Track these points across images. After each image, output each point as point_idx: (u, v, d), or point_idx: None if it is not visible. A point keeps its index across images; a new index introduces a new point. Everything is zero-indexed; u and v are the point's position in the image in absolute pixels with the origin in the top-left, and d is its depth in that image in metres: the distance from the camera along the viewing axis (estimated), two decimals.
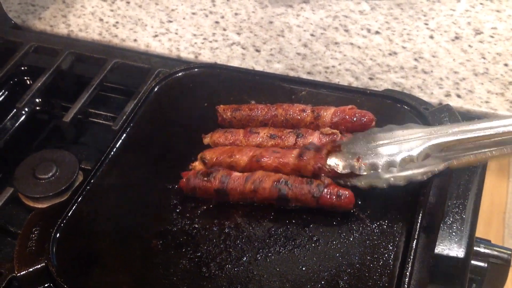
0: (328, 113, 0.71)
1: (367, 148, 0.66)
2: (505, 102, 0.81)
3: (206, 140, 0.71)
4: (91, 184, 0.67)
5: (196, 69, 0.79)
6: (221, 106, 0.73)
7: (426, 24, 0.94)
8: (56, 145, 0.82)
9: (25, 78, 0.89)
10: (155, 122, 0.75)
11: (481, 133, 0.63)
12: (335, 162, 0.66)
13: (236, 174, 0.66)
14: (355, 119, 0.70)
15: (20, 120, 0.84)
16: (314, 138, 0.69)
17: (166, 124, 0.75)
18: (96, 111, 0.85)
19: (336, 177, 0.66)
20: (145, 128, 0.74)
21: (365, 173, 0.64)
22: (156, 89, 0.77)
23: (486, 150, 0.63)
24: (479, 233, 0.66)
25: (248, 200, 0.66)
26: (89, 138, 0.85)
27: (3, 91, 0.87)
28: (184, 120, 0.75)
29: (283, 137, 0.70)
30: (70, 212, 0.64)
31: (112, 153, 0.70)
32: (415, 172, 0.65)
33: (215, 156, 0.67)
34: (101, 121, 0.85)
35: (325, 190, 0.64)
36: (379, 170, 0.64)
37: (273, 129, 0.71)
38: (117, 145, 0.71)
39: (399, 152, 0.64)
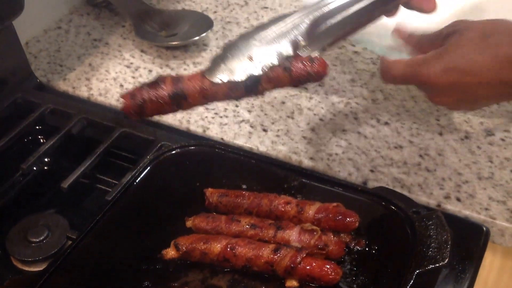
0: (312, 209, 0.71)
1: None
2: (506, 211, 0.79)
3: (189, 223, 0.72)
4: (69, 255, 0.68)
5: (193, 147, 0.81)
6: (209, 189, 0.75)
7: (438, 120, 0.92)
8: (57, 207, 0.85)
9: (39, 137, 0.93)
10: (145, 197, 0.76)
11: None
12: None
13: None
14: (338, 218, 0.70)
15: (26, 180, 0.87)
16: (294, 232, 0.69)
17: (155, 200, 0.76)
18: (101, 176, 0.88)
19: None
20: (134, 202, 0.75)
21: None
22: (153, 163, 0.79)
23: None
24: None
25: None
26: (89, 203, 0.88)
27: (15, 148, 0.90)
28: (174, 198, 0.76)
29: (263, 228, 0.70)
30: (44, 283, 0.66)
31: (97, 225, 0.72)
32: None
33: (189, 243, 0.68)
34: (103, 186, 0.88)
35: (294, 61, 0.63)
36: None
37: (255, 219, 0.71)
38: (104, 218, 0.73)
39: None
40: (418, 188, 0.82)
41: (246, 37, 0.66)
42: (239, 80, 0.63)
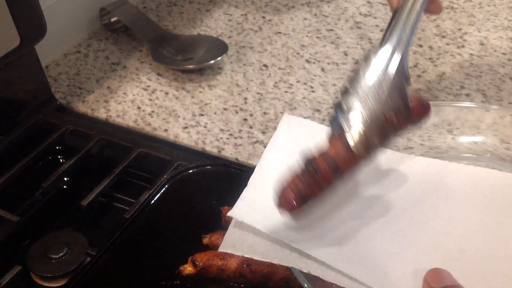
0: None
1: None
2: None
3: (205, 240, 0.74)
4: (89, 271, 0.70)
5: (209, 166, 0.83)
6: (225, 207, 0.76)
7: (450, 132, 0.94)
8: (77, 225, 0.87)
9: (59, 157, 0.95)
10: (162, 215, 0.78)
11: None
12: None
13: None
14: None
15: (46, 198, 0.89)
16: None
17: (172, 218, 0.78)
18: (119, 195, 0.90)
19: None
20: (152, 220, 0.77)
21: None
22: (170, 183, 0.81)
23: None
24: None
25: None
26: (107, 221, 0.89)
27: (36, 168, 0.93)
28: (190, 216, 0.78)
29: None
30: None
31: (116, 242, 0.74)
32: None
33: (206, 259, 0.69)
34: (121, 205, 0.90)
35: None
36: None
37: None
38: (123, 235, 0.75)
39: None
40: None
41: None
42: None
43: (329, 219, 0.69)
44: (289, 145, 0.78)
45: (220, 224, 0.76)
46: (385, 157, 0.74)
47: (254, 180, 0.73)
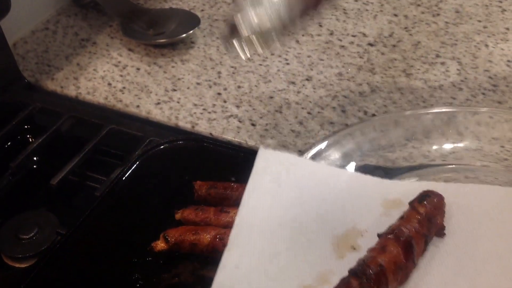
0: None
1: None
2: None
3: (178, 215, 0.72)
4: (58, 250, 0.68)
5: (181, 142, 0.81)
6: (198, 182, 0.75)
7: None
8: (47, 205, 0.85)
9: (28, 136, 0.93)
10: (134, 192, 0.76)
11: None
12: None
13: None
14: None
15: (15, 179, 0.87)
16: None
17: (144, 195, 0.76)
18: (90, 173, 0.88)
19: None
20: (123, 197, 0.76)
21: None
22: (141, 159, 0.79)
23: None
24: None
25: None
26: (79, 200, 0.88)
27: (4, 148, 0.91)
28: (163, 192, 0.77)
29: None
30: (34, 278, 0.66)
31: (86, 220, 0.72)
32: None
33: (178, 234, 0.68)
34: (93, 183, 0.88)
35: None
36: None
37: None
38: (93, 213, 0.73)
39: None
40: None
41: None
42: None
43: None
44: (270, 186, 0.70)
45: (193, 199, 0.74)
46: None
47: (235, 237, 0.64)
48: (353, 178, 0.73)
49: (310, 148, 0.79)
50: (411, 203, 0.63)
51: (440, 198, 0.65)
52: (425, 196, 0.64)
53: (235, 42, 0.64)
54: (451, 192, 0.67)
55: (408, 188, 0.68)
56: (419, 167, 0.79)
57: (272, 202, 0.67)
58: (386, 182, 0.72)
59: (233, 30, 0.63)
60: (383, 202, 0.68)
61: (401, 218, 0.62)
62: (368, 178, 0.72)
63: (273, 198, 0.67)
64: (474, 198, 0.68)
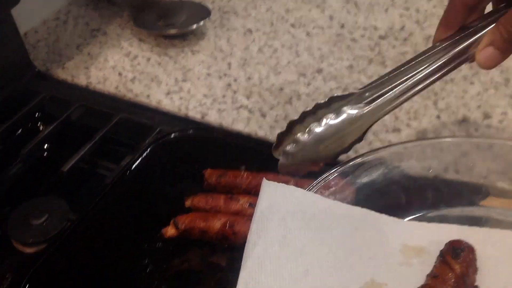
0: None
1: None
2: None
3: (188, 203, 0.73)
4: (69, 236, 0.69)
5: (191, 131, 0.81)
6: (208, 170, 0.75)
7: (435, 104, 0.93)
8: (58, 192, 0.85)
9: (39, 124, 0.93)
10: (144, 180, 0.77)
11: None
12: None
13: None
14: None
15: (26, 166, 0.87)
16: None
17: (154, 183, 0.77)
18: (100, 161, 0.89)
19: None
20: (133, 184, 0.76)
21: None
22: (151, 147, 0.80)
23: None
24: None
25: None
26: (89, 187, 0.88)
27: (15, 135, 0.91)
28: (173, 180, 0.77)
29: None
30: (43, 263, 0.66)
31: (97, 207, 0.72)
32: None
33: (188, 221, 0.68)
34: (103, 171, 0.88)
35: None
36: None
37: (253, 198, 0.71)
38: (104, 200, 0.73)
39: None
40: None
41: None
42: None
43: None
44: (276, 232, 0.61)
45: (203, 187, 0.75)
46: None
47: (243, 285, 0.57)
48: (368, 218, 0.64)
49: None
50: (442, 257, 0.58)
51: (473, 253, 0.59)
52: (459, 250, 0.58)
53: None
54: (478, 240, 0.61)
55: (429, 232, 0.63)
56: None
57: (280, 253, 0.59)
58: (404, 223, 0.65)
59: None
60: (403, 248, 0.62)
61: (435, 276, 0.57)
62: (384, 218, 0.65)
63: (281, 247, 0.59)
64: (503, 246, 0.62)
